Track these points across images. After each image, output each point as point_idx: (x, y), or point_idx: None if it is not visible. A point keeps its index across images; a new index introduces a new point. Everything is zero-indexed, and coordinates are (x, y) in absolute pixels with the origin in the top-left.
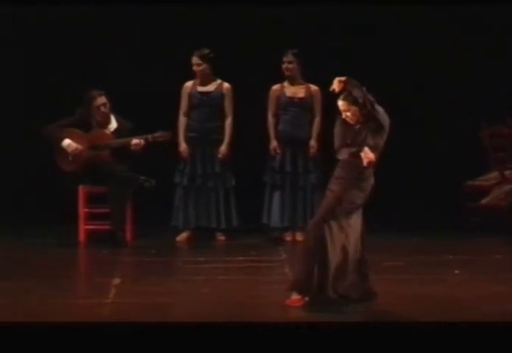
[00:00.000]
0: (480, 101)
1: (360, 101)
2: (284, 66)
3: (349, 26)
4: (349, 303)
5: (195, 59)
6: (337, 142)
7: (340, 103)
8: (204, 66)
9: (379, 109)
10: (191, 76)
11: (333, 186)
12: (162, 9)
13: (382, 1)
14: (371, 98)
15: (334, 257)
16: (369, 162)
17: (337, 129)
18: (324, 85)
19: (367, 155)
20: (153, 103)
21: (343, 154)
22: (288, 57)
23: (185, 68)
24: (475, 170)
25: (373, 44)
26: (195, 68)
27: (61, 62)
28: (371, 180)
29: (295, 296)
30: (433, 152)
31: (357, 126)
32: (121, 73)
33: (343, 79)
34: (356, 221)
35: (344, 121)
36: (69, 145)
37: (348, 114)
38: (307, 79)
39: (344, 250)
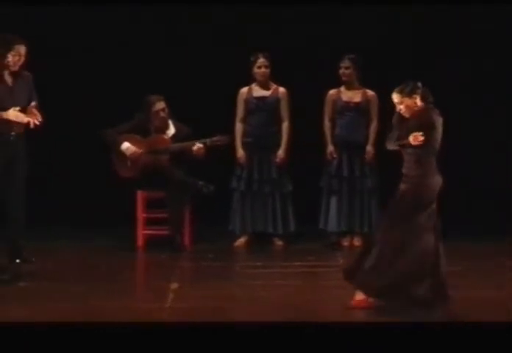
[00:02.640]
0: None
1: (417, 93)
2: (341, 71)
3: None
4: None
5: (263, 61)
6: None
7: (394, 95)
8: (269, 68)
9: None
10: (247, 80)
11: (402, 186)
12: (226, 11)
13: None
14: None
15: (443, 261)
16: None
17: (393, 121)
18: (381, 90)
19: (416, 137)
20: (209, 108)
21: (391, 145)
22: (345, 62)
23: (242, 71)
24: None
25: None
26: (262, 69)
27: (118, 67)
28: (437, 178)
29: (359, 297)
30: (500, 154)
31: (411, 120)
32: (178, 78)
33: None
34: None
35: (399, 115)
36: (128, 148)
37: (401, 107)
38: (365, 83)
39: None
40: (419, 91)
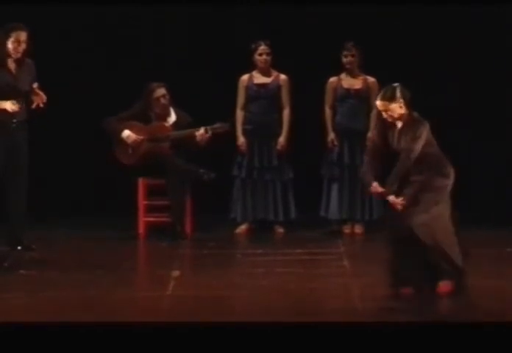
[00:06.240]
0: None
1: (398, 95)
2: (343, 59)
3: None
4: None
5: (265, 49)
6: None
7: (378, 104)
8: (270, 55)
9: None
10: (247, 68)
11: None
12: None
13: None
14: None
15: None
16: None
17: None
18: (383, 77)
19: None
20: (210, 95)
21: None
22: (348, 50)
23: (241, 59)
24: None
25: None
26: (264, 57)
27: (121, 56)
28: (450, 166)
29: (446, 281)
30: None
31: (399, 126)
32: (179, 67)
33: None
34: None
35: (381, 124)
36: (129, 136)
37: (389, 113)
38: (366, 70)
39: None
40: (399, 92)
